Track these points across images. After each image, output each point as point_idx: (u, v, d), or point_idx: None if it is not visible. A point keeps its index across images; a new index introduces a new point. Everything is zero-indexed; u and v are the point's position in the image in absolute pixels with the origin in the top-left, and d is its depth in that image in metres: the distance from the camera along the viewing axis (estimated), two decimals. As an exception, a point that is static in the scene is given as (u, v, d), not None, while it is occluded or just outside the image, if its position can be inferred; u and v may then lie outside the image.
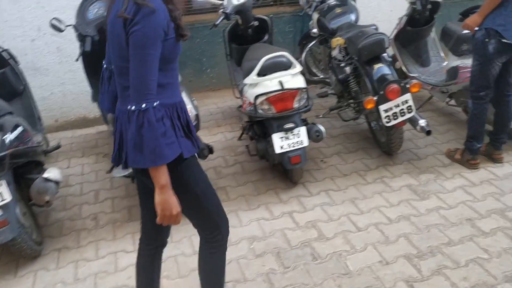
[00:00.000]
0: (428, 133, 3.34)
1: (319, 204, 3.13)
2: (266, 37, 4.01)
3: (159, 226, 1.67)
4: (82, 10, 3.40)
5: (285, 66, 3.10)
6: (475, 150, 3.41)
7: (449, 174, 3.43)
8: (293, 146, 3.07)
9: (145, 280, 1.99)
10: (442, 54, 4.49)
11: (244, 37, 4.02)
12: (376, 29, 3.62)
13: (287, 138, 3.07)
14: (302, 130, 3.10)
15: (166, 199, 1.54)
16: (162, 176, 1.51)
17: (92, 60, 3.31)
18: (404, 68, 4.54)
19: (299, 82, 3.10)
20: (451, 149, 3.64)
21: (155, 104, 1.47)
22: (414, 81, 3.30)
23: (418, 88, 3.28)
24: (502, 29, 2.96)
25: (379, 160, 3.66)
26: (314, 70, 4.90)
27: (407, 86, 3.25)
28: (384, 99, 3.23)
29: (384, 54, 3.54)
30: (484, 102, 3.27)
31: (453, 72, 3.93)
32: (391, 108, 3.26)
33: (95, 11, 3.38)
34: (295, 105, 3.09)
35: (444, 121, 4.27)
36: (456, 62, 3.93)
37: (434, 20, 4.51)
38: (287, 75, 3.08)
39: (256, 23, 3.92)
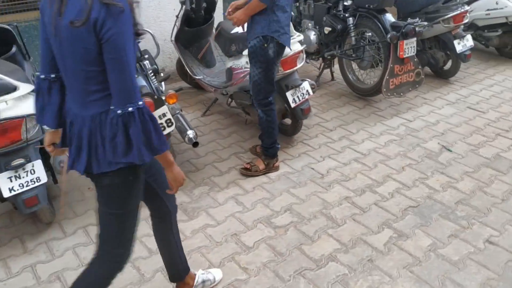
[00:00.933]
0: (195, 145, 3.14)
1: (71, 246, 2.71)
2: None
3: (159, 201, 2.01)
4: None
5: (6, 89, 2.56)
6: (276, 152, 3.38)
7: (223, 184, 3.27)
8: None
9: (163, 248, 2.18)
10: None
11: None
12: None
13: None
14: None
15: (177, 172, 1.73)
16: (169, 156, 1.67)
17: None
18: (189, 71, 4.34)
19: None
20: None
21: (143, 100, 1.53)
22: (171, 91, 3.04)
23: (175, 99, 3.03)
24: (278, 35, 2.93)
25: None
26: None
27: (163, 98, 2.98)
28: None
29: (145, 62, 3.26)
30: (273, 105, 3.23)
31: (229, 74, 3.82)
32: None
33: None
34: (23, 135, 2.56)
35: (228, 124, 4.15)
36: (229, 63, 3.83)
37: (213, 18, 4.38)
38: (7, 100, 2.53)
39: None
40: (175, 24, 4.21)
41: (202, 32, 4.35)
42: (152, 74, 3.33)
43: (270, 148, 3.32)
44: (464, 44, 4.69)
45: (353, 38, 4.39)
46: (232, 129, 4.05)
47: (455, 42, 4.65)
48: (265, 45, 2.94)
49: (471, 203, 3.01)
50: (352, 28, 4.38)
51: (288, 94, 3.48)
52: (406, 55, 4.04)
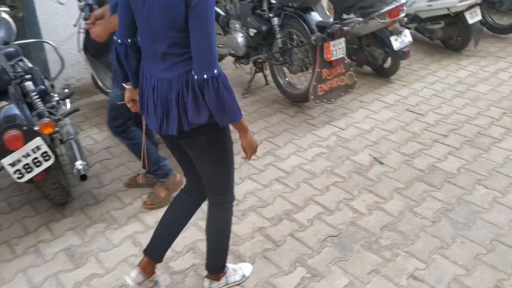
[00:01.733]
0: (83, 178, 2.72)
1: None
2: None
3: (200, 180, 2.03)
4: None
5: None
6: (168, 169, 2.96)
7: (123, 219, 2.87)
8: None
9: (174, 222, 2.19)
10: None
11: None
12: None
13: None
14: None
15: (251, 139, 1.86)
16: (244, 124, 1.78)
17: None
18: (100, 84, 3.90)
19: None
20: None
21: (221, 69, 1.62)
22: (45, 120, 2.60)
23: (51, 128, 2.59)
24: None
25: (44, 217, 2.92)
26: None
27: (36, 128, 2.55)
28: (4, 151, 2.47)
29: (27, 83, 2.84)
30: (131, 124, 2.82)
31: None
32: (19, 160, 2.51)
33: None
34: None
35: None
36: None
37: None
38: None
39: None
40: (78, 32, 3.74)
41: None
42: (37, 96, 2.89)
43: (158, 169, 2.92)
44: (402, 40, 4.37)
45: (279, 40, 4.01)
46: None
47: (392, 38, 4.32)
48: (113, 62, 2.49)
49: (398, 228, 2.68)
50: (277, 29, 3.99)
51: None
52: (334, 58, 3.68)
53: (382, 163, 3.29)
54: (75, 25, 3.57)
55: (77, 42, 3.80)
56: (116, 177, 3.29)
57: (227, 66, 4.96)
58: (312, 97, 3.71)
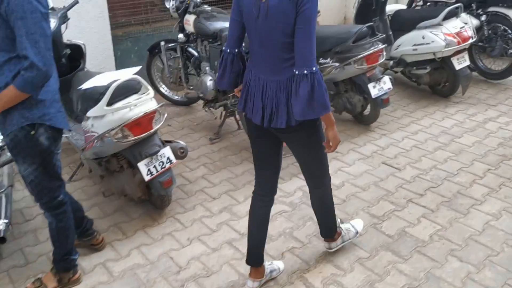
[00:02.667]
0: (1, 240, 2.44)
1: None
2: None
3: (275, 179, 2.39)
4: None
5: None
6: (73, 265, 2.56)
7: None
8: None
9: (262, 227, 2.43)
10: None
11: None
12: None
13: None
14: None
15: (336, 132, 2.09)
16: (331, 117, 2.05)
17: None
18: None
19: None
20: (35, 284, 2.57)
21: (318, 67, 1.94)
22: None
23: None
24: (48, 118, 2.18)
25: None
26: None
27: None
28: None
29: None
30: (67, 206, 2.44)
31: (81, 135, 3.19)
32: None
33: None
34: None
35: (91, 194, 3.45)
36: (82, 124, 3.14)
37: (81, 66, 3.78)
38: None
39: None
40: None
41: (67, 82, 3.68)
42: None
43: (62, 260, 2.50)
44: (380, 87, 4.10)
45: None
46: (93, 202, 3.34)
47: (370, 85, 4.06)
48: (32, 133, 2.16)
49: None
50: None
51: (141, 165, 2.83)
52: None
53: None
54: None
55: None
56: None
57: (199, 108, 4.72)
58: (277, 148, 3.42)
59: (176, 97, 5.02)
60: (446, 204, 3.19)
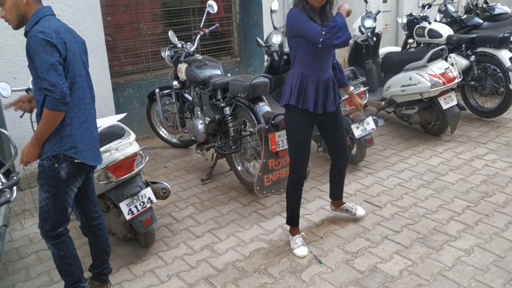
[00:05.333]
0: None
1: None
2: None
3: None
4: None
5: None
6: None
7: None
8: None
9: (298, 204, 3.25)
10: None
11: None
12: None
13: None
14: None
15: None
16: None
17: None
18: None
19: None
20: None
21: None
22: None
23: None
24: (74, 152, 2.45)
25: None
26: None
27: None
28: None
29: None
30: (66, 236, 2.63)
31: None
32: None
33: None
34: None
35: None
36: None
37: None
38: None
39: None
40: (31, 121, 3.82)
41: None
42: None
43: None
44: (364, 128, 4.27)
45: (231, 129, 3.98)
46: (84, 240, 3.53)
47: (353, 126, 4.23)
48: (56, 165, 2.44)
49: None
50: (229, 118, 3.98)
51: (123, 205, 3.03)
52: (281, 148, 3.60)
53: (321, 262, 3.08)
54: (21, 117, 3.63)
55: (32, 129, 3.87)
56: (45, 270, 3.19)
57: (193, 151, 4.96)
58: (258, 187, 3.60)
59: (174, 140, 5.27)
60: (420, 240, 3.27)
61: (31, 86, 3.49)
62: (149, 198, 3.13)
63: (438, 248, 3.17)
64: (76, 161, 2.47)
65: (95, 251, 2.87)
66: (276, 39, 4.75)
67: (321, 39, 2.68)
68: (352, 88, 3.44)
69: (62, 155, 2.43)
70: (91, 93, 2.62)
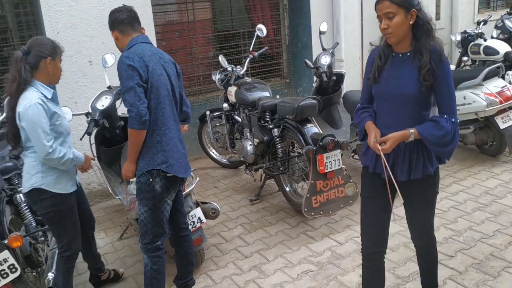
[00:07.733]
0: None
1: None
2: None
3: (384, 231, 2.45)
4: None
5: None
6: None
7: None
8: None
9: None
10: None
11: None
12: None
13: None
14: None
15: None
16: None
17: None
18: (111, 190, 4.14)
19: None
20: None
21: None
22: (14, 234, 2.75)
23: (20, 242, 2.71)
24: (166, 167, 2.62)
25: None
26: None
27: (5, 242, 2.70)
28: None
29: (19, 196, 3.12)
30: (162, 253, 2.77)
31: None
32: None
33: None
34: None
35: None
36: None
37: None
38: None
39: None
40: (90, 143, 4.04)
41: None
42: (27, 207, 3.11)
43: None
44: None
45: (279, 151, 4.02)
46: (137, 258, 3.66)
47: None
48: (150, 179, 2.60)
49: None
50: (277, 139, 4.03)
51: None
52: (329, 170, 3.59)
53: (370, 286, 3.01)
54: (81, 139, 3.85)
55: (91, 151, 4.09)
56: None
57: (242, 172, 5.03)
58: (305, 209, 3.59)
59: (224, 160, 5.38)
60: (476, 266, 3.14)
61: (90, 111, 3.73)
62: (199, 218, 3.21)
63: (495, 275, 3.02)
64: (168, 175, 2.63)
65: (181, 262, 2.99)
66: (325, 60, 4.77)
67: None
68: None
69: (155, 170, 2.60)
70: (178, 111, 2.77)
